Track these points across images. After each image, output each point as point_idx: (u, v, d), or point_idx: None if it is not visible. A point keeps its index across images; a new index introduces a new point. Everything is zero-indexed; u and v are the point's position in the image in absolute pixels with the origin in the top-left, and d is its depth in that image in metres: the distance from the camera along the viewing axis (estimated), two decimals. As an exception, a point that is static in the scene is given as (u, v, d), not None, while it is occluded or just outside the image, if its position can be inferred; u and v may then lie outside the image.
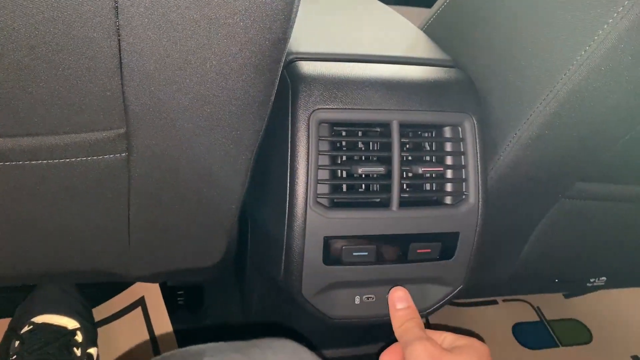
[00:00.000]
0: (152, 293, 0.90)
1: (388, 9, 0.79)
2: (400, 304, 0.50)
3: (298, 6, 0.42)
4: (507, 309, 1.17)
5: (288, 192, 0.54)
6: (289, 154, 0.54)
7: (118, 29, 0.40)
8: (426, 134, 0.58)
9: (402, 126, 0.56)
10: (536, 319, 1.16)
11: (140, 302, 0.90)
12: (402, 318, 0.48)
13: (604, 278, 0.98)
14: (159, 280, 0.86)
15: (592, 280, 0.98)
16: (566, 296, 1.22)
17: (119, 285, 0.93)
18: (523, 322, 1.15)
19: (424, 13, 0.95)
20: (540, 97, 0.53)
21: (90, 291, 0.89)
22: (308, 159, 0.53)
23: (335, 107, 0.54)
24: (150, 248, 0.67)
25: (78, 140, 0.49)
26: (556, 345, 1.10)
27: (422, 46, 0.66)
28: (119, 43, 0.40)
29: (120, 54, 0.41)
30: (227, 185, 0.59)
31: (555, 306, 1.19)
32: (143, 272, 0.73)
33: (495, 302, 1.17)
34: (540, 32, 0.52)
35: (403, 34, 0.70)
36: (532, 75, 0.53)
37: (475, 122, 0.58)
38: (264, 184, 0.61)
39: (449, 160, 0.58)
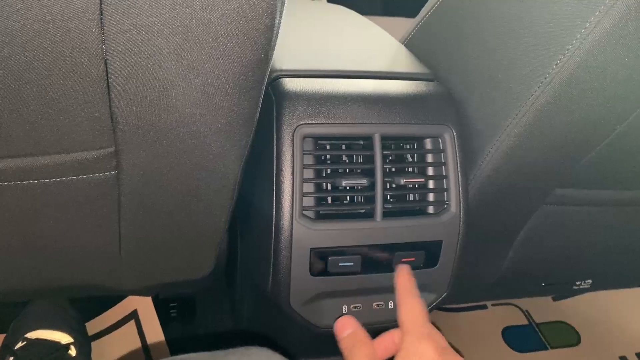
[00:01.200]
0: (144, 306, 0.91)
1: (369, 23, 0.81)
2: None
3: (279, 28, 0.44)
4: (497, 313, 1.18)
5: (274, 206, 0.55)
6: (275, 168, 0.55)
7: (105, 53, 0.41)
8: (408, 146, 0.60)
9: (384, 139, 0.57)
10: (525, 322, 1.18)
11: (133, 315, 0.91)
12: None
13: (590, 280, 1.00)
14: (151, 293, 0.87)
15: (578, 283, 1.00)
16: (554, 299, 1.24)
17: (111, 299, 0.94)
18: (512, 325, 1.16)
19: (409, 23, 0.97)
20: (516, 108, 0.55)
21: (84, 305, 0.90)
22: (293, 172, 0.55)
23: (318, 122, 0.55)
24: (141, 262, 0.68)
25: (68, 159, 0.51)
26: (545, 348, 1.12)
27: (402, 60, 0.68)
28: (106, 67, 0.42)
29: (107, 78, 0.43)
30: (216, 199, 0.60)
31: (544, 309, 1.21)
32: (135, 285, 0.74)
33: (484, 307, 1.19)
34: (515, 45, 0.54)
35: (384, 48, 0.72)
36: (508, 88, 0.55)
37: (455, 134, 0.60)
38: (252, 198, 0.63)
39: (430, 171, 0.60)
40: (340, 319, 0.51)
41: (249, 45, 0.43)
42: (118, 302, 0.93)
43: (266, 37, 0.43)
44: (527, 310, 1.20)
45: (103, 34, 0.40)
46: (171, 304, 0.92)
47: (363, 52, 0.69)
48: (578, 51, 0.48)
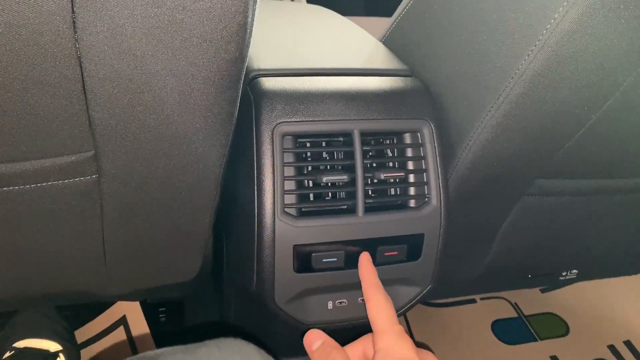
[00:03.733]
0: (133, 311, 0.91)
1: (348, 22, 0.81)
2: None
3: (252, 28, 0.44)
4: (486, 306, 1.19)
5: (256, 204, 0.56)
6: (255, 167, 0.56)
7: (79, 56, 0.41)
8: (387, 141, 0.61)
9: (364, 135, 0.58)
10: (514, 314, 1.19)
11: (122, 322, 0.91)
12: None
13: (575, 271, 1.01)
14: (138, 298, 0.87)
15: (564, 273, 1.01)
16: (542, 291, 1.25)
17: (100, 306, 0.94)
18: (502, 318, 1.17)
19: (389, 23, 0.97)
20: (491, 101, 0.56)
21: (72, 313, 0.89)
22: (274, 170, 0.55)
23: (297, 120, 0.56)
24: (127, 266, 0.68)
25: (47, 164, 0.51)
26: (534, 340, 1.13)
27: (380, 57, 0.69)
28: (81, 70, 0.42)
29: (83, 81, 0.43)
30: (199, 201, 0.60)
31: (532, 301, 1.22)
32: (122, 290, 0.74)
33: (473, 301, 1.20)
34: (486, 39, 0.55)
35: (362, 46, 0.72)
36: (482, 81, 0.56)
37: (433, 128, 0.60)
38: (234, 198, 0.63)
39: (410, 165, 0.60)
40: (307, 333, 0.52)
41: (223, 44, 0.43)
42: (106, 308, 0.93)
43: (240, 36, 0.44)
44: (515, 303, 1.21)
45: (76, 36, 0.40)
46: (160, 309, 0.92)
47: (341, 50, 0.69)
48: (548, 42, 0.49)
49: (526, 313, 1.19)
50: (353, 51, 0.70)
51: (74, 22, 0.39)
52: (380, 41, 0.75)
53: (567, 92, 0.55)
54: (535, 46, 0.50)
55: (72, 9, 0.38)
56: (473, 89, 0.58)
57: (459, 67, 0.59)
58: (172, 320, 0.93)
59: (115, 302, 0.93)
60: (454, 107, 0.61)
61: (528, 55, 0.51)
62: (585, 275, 1.05)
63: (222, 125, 0.52)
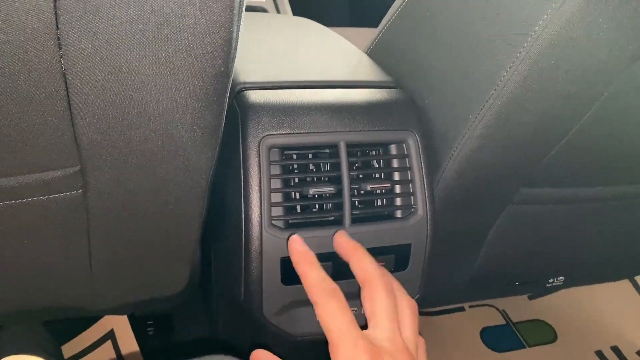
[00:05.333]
0: (121, 325, 0.90)
1: (333, 34, 0.82)
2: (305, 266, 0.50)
3: (237, 42, 0.45)
4: (474, 314, 1.20)
5: (243, 216, 0.56)
6: (242, 179, 0.56)
7: (64, 72, 0.41)
8: (373, 152, 0.61)
9: (350, 146, 0.58)
10: (503, 322, 1.19)
11: (110, 336, 0.90)
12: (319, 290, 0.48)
13: (562, 277, 1.02)
14: (126, 312, 0.87)
15: (550, 280, 1.02)
16: (530, 298, 1.26)
17: (87, 320, 0.93)
18: (490, 326, 1.18)
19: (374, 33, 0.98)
20: (474, 111, 0.56)
21: (59, 328, 0.89)
22: (260, 183, 0.55)
23: (283, 132, 0.56)
24: (113, 280, 0.68)
25: (32, 180, 0.51)
26: (523, 347, 1.13)
27: (365, 69, 0.69)
28: (66, 86, 0.42)
29: (68, 97, 0.43)
30: (185, 214, 0.60)
31: (521, 308, 1.23)
32: (109, 304, 0.74)
33: (462, 309, 1.20)
34: (468, 51, 0.56)
35: (347, 57, 0.73)
36: (465, 92, 0.57)
37: (418, 139, 0.61)
38: (221, 210, 0.63)
39: (396, 176, 0.61)
40: (253, 353, 0.49)
41: (208, 59, 0.44)
42: (94, 323, 0.92)
43: (225, 50, 0.44)
44: (504, 310, 1.22)
45: (61, 53, 0.40)
46: (148, 322, 0.91)
47: (326, 62, 0.70)
48: (529, 53, 0.50)
49: (514, 320, 1.20)
50: (338, 63, 0.71)
51: (58, 38, 0.39)
52: (366, 53, 0.75)
53: (548, 103, 0.55)
54: (516, 58, 0.51)
55: (57, 26, 0.38)
56: (457, 100, 0.59)
57: (442, 79, 0.60)
58: (160, 334, 0.92)
59: (102, 315, 0.92)
60: (438, 118, 0.62)
61: (510, 67, 0.52)
62: (572, 281, 1.06)
63: (208, 138, 0.52)
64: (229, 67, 0.46)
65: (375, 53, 0.73)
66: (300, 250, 0.51)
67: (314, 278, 0.49)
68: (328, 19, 1.02)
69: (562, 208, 0.78)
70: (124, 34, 0.40)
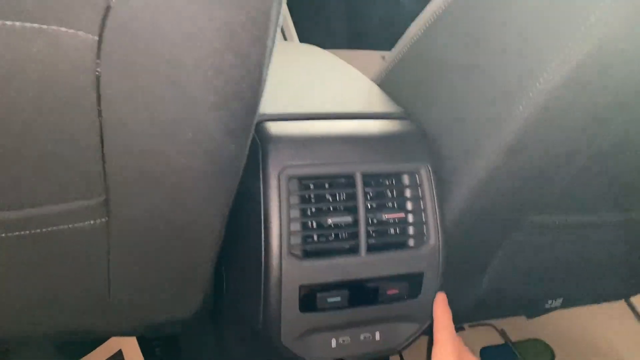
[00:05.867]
0: (129, 346, 0.91)
1: (343, 63, 0.84)
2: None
3: (266, 80, 0.46)
4: (474, 334, 1.22)
5: (263, 245, 0.57)
6: (262, 209, 0.58)
7: (100, 110, 0.43)
8: (387, 182, 0.63)
9: (365, 176, 0.60)
10: (501, 341, 1.21)
11: (118, 357, 0.91)
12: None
13: (561, 299, 1.04)
14: (137, 333, 0.87)
15: (549, 302, 1.04)
16: (528, 317, 1.27)
17: (95, 340, 0.93)
18: (489, 345, 1.20)
19: (373, 55, 1.01)
20: (487, 147, 0.59)
21: (67, 348, 0.89)
22: (280, 213, 0.57)
23: (303, 163, 0.58)
24: (129, 304, 0.69)
25: (58, 210, 0.52)
26: (521, 366, 1.15)
27: (377, 100, 0.71)
28: (101, 123, 0.44)
29: (101, 132, 0.45)
30: (203, 240, 0.62)
31: (519, 327, 1.25)
32: (121, 327, 0.75)
33: (462, 329, 1.22)
34: (482, 90, 0.58)
35: (359, 88, 0.75)
36: (477, 128, 0.59)
37: (430, 169, 0.63)
38: (238, 236, 0.64)
39: (409, 205, 0.63)
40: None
41: (239, 98, 0.46)
42: (101, 343, 0.93)
43: (255, 90, 0.46)
44: (502, 330, 1.24)
45: (99, 92, 0.42)
46: (155, 343, 0.92)
47: (340, 93, 0.72)
48: (541, 94, 0.52)
49: (513, 339, 1.22)
50: (351, 93, 0.73)
51: (98, 79, 0.41)
52: (376, 82, 0.77)
53: (559, 140, 0.58)
54: (528, 98, 0.53)
55: (97, 67, 0.40)
56: (468, 135, 0.61)
57: (455, 114, 0.62)
58: (167, 354, 0.93)
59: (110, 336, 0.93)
60: (449, 149, 0.64)
61: (522, 106, 0.54)
62: (570, 303, 1.08)
63: (231, 168, 0.54)
64: (257, 104, 0.48)
65: (385, 83, 0.75)
66: (445, 311, 0.66)
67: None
68: (329, 43, 1.04)
69: (566, 233, 0.80)
70: (162, 77, 0.42)
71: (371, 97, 0.72)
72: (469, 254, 0.76)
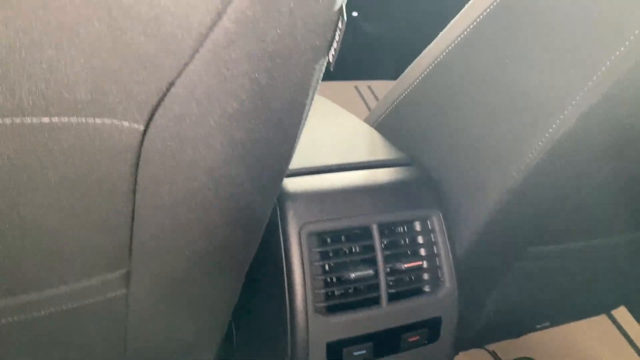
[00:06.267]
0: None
1: (337, 107, 0.85)
2: None
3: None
4: (466, 357, 1.24)
5: (287, 303, 0.57)
6: (284, 266, 0.58)
7: (134, 192, 0.42)
8: (400, 229, 0.64)
9: (380, 226, 0.61)
10: (494, 363, 1.23)
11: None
12: None
13: (549, 322, 1.08)
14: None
15: (538, 326, 1.08)
16: (516, 336, 1.31)
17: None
18: (483, 368, 1.21)
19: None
20: (491, 189, 0.61)
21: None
22: (303, 270, 0.57)
23: (321, 219, 0.58)
24: (145, 357, 0.68)
25: (79, 287, 0.51)
26: (514, 385, 1.18)
27: (380, 146, 0.73)
28: (134, 203, 0.43)
29: (133, 212, 0.44)
30: (220, 299, 0.62)
31: (509, 347, 1.27)
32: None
33: (455, 353, 1.23)
34: (489, 129, 0.60)
35: (359, 135, 0.76)
36: (483, 176, 0.61)
37: (441, 214, 0.65)
38: (256, 293, 0.64)
39: (423, 252, 0.64)
40: None
41: (274, 164, 0.46)
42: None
43: (287, 156, 0.47)
44: (493, 351, 1.26)
45: (137, 175, 0.41)
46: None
47: (345, 142, 0.73)
48: (547, 145, 0.55)
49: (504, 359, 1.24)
50: (355, 142, 0.74)
51: (137, 164, 0.40)
52: (371, 125, 0.79)
53: (564, 177, 0.60)
54: (538, 145, 0.56)
55: (139, 154, 0.39)
56: (475, 181, 0.63)
57: (464, 159, 0.64)
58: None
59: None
60: (455, 191, 0.66)
61: (532, 154, 0.56)
62: (557, 322, 1.12)
63: (252, 235, 0.54)
64: (289, 161, 0.48)
65: (383, 127, 0.77)
66: None
67: None
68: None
69: (561, 261, 0.83)
70: (199, 157, 0.42)
71: (374, 144, 0.73)
72: (471, 289, 0.77)
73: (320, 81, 0.42)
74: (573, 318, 1.18)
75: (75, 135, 0.36)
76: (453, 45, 0.63)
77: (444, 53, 0.65)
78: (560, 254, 0.82)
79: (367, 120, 0.81)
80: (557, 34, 0.52)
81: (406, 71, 0.73)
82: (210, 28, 0.30)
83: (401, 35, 1.55)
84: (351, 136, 0.76)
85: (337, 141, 0.73)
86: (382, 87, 1.01)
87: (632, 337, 1.22)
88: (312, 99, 0.43)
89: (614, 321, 1.26)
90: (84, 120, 0.35)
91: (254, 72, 0.35)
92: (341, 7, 0.35)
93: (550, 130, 0.54)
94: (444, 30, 0.66)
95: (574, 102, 0.52)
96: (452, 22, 0.65)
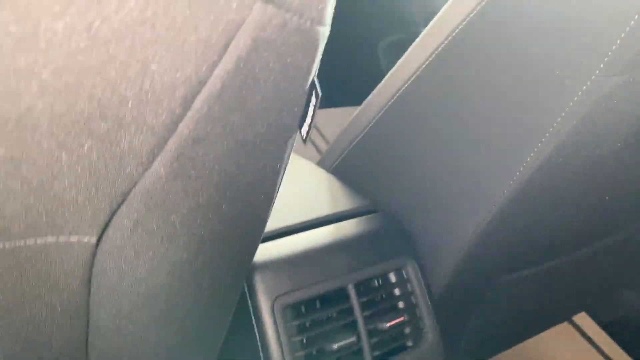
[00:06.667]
0: None
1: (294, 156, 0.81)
2: None
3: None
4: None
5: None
6: (260, 345, 0.52)
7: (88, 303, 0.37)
8: (376, 284, 0.60)
9: (356, 286, 0.57)
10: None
11: None
12: None
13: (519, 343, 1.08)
14: None
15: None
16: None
17: None
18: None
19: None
20: (463, 228, 0.58)
21: None
22: (281, 349, 0.52)
23: (293, 288, 0.54)
24: None
25: None
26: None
27: (341, 195, 0.68)
28: (88, 316, 0.38)
29: (87, 323, 0.39)
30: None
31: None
32: None
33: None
34: (455, 174, 0.58)
35: (317, 183, 0.71)
36: (453, 218, 0.59)
37: (415, 261, 0.61)
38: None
39: (401, 304, 0.60)
40: None
41: (243, 247, 0.42)
42: None
43: (257, 237, 0.42)
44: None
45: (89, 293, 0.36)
46: None
47: (304, 196, 0.68)
48: (519, 184, 0.53)
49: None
50: (314, 193, 0.69)
51: (90, 278, 0.35)
52: (326, 169, 0.75)
53: (533, 214, 0.59)
54: (510, 184, 0.54)
55: (92, 266, 0.34)
56: (444, 223, 0.60)
57: (426, 202, 0.61)
58: None
59: None
60: (427, 236, 0.63)
61: (501, 196, 0.54)
62: (525, 339, 1.12)
63: (221, 321, 0.49)
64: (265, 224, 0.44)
65: (341, 171, 0.73)
66: None
67: None
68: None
69: (531, 283, 0.82)
70: (158, 257, 0.36)
71: (335, 193, 0.69)
72: (446, 325, 0.75)
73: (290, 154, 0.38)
74: (539, 331, 1.18)
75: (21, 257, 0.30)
76: (412, 79, 0.59)
77: (399, 92, 0.62)
78: (531, 277, 0.81)
79: (321, 164, 0.77)
80: (524, 68, 0.50)
81: (361, 108, 0.69)
82: (172, 131, 0.25)
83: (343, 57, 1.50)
84: (310, 187, 0.71)
85: (296, 194, 0.69)
86: (324, 116, 0.97)
87: (597, 341, 1.24)
88: (283, 175, 0.39)
89: (578, 328, 1.27)
90: (30, 242, 0.29)
91: (222, 165, 0.30)
92: (313, 82, 0.31)
93: (521, 168, 0.52)
94: (402, 60, 0.61)
95: (543, 140, 0.50)
96: (410, 48, 0.60)
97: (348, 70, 1.42)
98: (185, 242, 0.36)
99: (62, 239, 0.30)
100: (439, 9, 0.56)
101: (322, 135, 1.04)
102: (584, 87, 0.45)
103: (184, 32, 0.21)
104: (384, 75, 0.64)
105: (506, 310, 0.87)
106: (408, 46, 0.61)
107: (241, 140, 0.29)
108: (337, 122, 0.82)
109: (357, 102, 0.70)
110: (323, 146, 0.93)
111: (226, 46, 0.23)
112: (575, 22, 0.45)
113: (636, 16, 0.41)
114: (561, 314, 1.17)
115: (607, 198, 0.65)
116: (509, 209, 0.56)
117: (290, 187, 0.71)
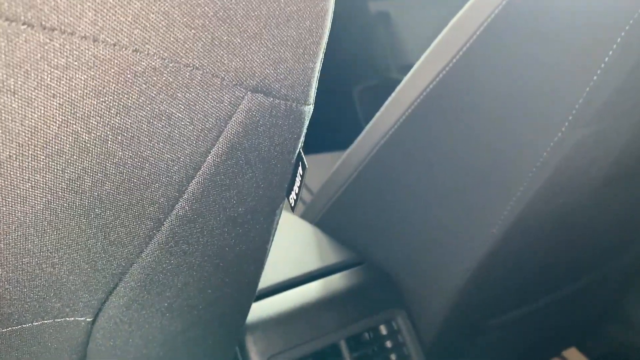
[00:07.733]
0: None
1: None
2: None
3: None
4: None
5: None
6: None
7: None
8: (366, 336, 0.61)
9: (348, 341, 0.57)
10: None
11: None
12: None
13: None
14: None
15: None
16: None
17: None
18: None
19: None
20: (451, 274, 0.59)
21: None
22: None
23: (286, 348, 0.54)
24: None
25: None
26: None
27: (327, 248, 0.69)
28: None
29: None
30: None
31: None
32: None
33: None
34: (438, 233, 0.59)
35: (305, 239, 0.72)
36: (439, 273, 0.60)
37: (404, 311, 0.62)
38: None
39: (393, 357, 0.61)
40: None
41: (234, 313, 0.42)
42: None
43: (247, 305, 0.42)
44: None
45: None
46: None
47: (290, 251, 0.69)
48: (508, 220, 0.54)
49: None
50: (300, 247, 0.70)
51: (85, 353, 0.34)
52: (309, 221, 0.75)
53: (520, 255, 0.60)
54: (491, 234, 0.55)
55: (87, 341, 0.34)
56: (431, 271, 0.61)
57: (412, 251, 0.62)
58: None
59: None
60: (414, 285, 0.64)
61: (484, 246, 0.55)
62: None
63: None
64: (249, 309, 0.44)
65: (326, 225, 0.74)
66: None
67: None
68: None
69: (520, 323, 0.83)
70: (152, 331, 0.36)
71: (321, 246, 0.70)
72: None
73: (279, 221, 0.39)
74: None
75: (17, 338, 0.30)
76: (390, 133, 0.61)
77: (378, 146, 0.63)
78: (518, 318, 0.81)
79: (304, 216, 0.78)
80: (499, 122, 0.52)
81: (341, 161, 0.70)
82: (167, 214, 0.26)
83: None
84: (295, 241, 0.72)
85: (283, 249, 0.69)
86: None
87: (588, 377, 1.24)
88: (272, 242, 0.39)
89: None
90: (26, 326, 0.29)
91: (215, 239, 0.31)
92: (299, 154, 0.32)
93: (502, 217, 0.54)
94: (379, 113, 0.62)
95: (521, 189, 0.52)
96: (387, 102, 0.61)
97: (324, 117, 1.46)
98: (179, 314, 0.36)
99: (58, 320, 0.30)
100: (411, 54, 0.58)
101: (305, 184, 1.05)
102: (555, 139, 0.47)
103: (180, 127, 0.22)
104: (360, 121, 0.66)
105: (497, 351, 0.87)
106: (382, 91, 0.63)
107: (232, 215, 0.30)
108: (316, 168, 0.83)
109: (338, 147, 0.71)
110: (305, 195, 0.94)
111: (219, 134, 0.24)
112: (544, 75, 0.47)
113: (598, 71, 0.44)
114: (551, 350, 1.18)
115: (583, 240, 0.67)
116: (492, 257, 0.57)
117: (276, 242, 0.72)
